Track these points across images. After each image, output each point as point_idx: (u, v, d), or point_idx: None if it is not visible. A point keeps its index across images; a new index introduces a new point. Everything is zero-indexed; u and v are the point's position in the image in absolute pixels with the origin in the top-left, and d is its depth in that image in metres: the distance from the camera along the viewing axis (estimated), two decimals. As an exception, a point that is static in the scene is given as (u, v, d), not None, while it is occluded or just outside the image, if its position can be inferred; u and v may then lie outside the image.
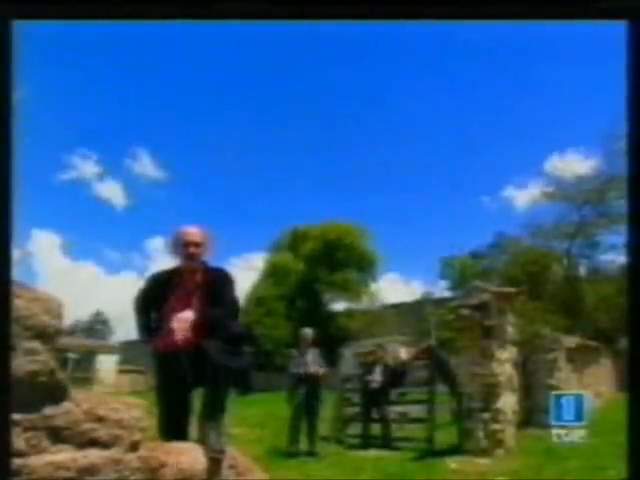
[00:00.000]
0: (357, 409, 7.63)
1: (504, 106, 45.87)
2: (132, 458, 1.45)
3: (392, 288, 35.55)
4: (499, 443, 5.46)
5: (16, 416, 1.22)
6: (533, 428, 6.70)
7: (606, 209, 16.81)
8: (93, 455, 1.35)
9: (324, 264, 23.03)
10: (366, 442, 6.87)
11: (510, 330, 6.02)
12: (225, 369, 2.46)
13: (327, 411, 7.04)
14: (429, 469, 5.07)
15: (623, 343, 12.85)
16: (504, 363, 5.78)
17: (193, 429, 2.53)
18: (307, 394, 6.09)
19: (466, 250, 22.71)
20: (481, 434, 5.48)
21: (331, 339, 14.52)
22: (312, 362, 6.19)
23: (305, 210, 45.37)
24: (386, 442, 6.73)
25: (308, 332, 6.42)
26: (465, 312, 5.90)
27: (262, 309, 21.64)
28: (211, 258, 2.82)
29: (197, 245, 2.70)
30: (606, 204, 16.70)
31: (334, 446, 6.89)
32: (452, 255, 22.97)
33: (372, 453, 6.32)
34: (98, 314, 49.31)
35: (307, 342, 6.33)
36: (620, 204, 15.70)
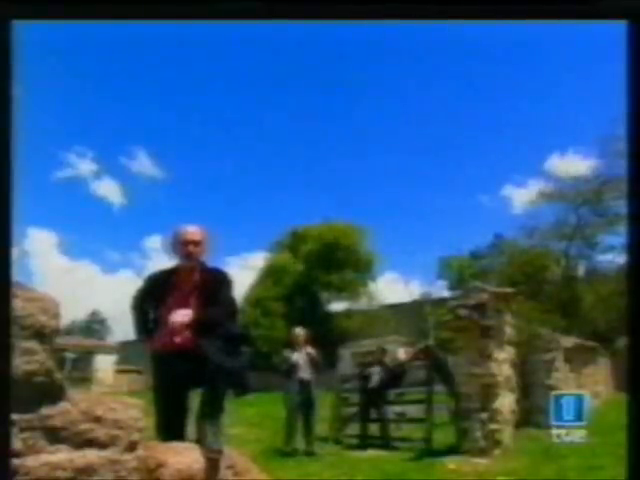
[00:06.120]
0: (355, 409, 7.62)
1: (504, 105, 46.05)
2: (130, 458, 1.44)
3: (390, 288, 35.46)
4: (497, 443, 5.46)
5: (13, 416, 1.22)
6: (531, 428, 6.70)
7: (604, 210, 16.86)
8: (90, 455, 1.35)
9: (322, 264, 22.95)
10: (364, 442, 6.86)
11: (508, 330, 6.02)
12: (223, 369, 2.45)
13: (325, 411, 7.04)
14: (427, 469, 5.07)
15: (621, 343, 12.88)
16: (502, 363, 5.78)
17: (191, 429, 2.52)
18: (301, 394, 6.09)
19: (464, 250, 22.80)
20: (479, 434, 5.48)
21: (329, 339, 14.51)
22: (305, 362, 6.19)
23: (304, 210, 45.48)
24: (384, 442, 6.73)
25: (299, 331, 6.44)
26: (463, 312, 5.90)
27: (260, 309, 21.58)
28: (209, 257, 2.81)
29: (196, 244, 2.69)
30: (604, 205, 16.75)
31: (332, 446, 6.89)
32: (450, 255, 23.09)
33: (370, 453, 6.32)
34: (95, 314, 49.24)
35: (299, 341, 6.34)
36: (618, 205, 15.77)
